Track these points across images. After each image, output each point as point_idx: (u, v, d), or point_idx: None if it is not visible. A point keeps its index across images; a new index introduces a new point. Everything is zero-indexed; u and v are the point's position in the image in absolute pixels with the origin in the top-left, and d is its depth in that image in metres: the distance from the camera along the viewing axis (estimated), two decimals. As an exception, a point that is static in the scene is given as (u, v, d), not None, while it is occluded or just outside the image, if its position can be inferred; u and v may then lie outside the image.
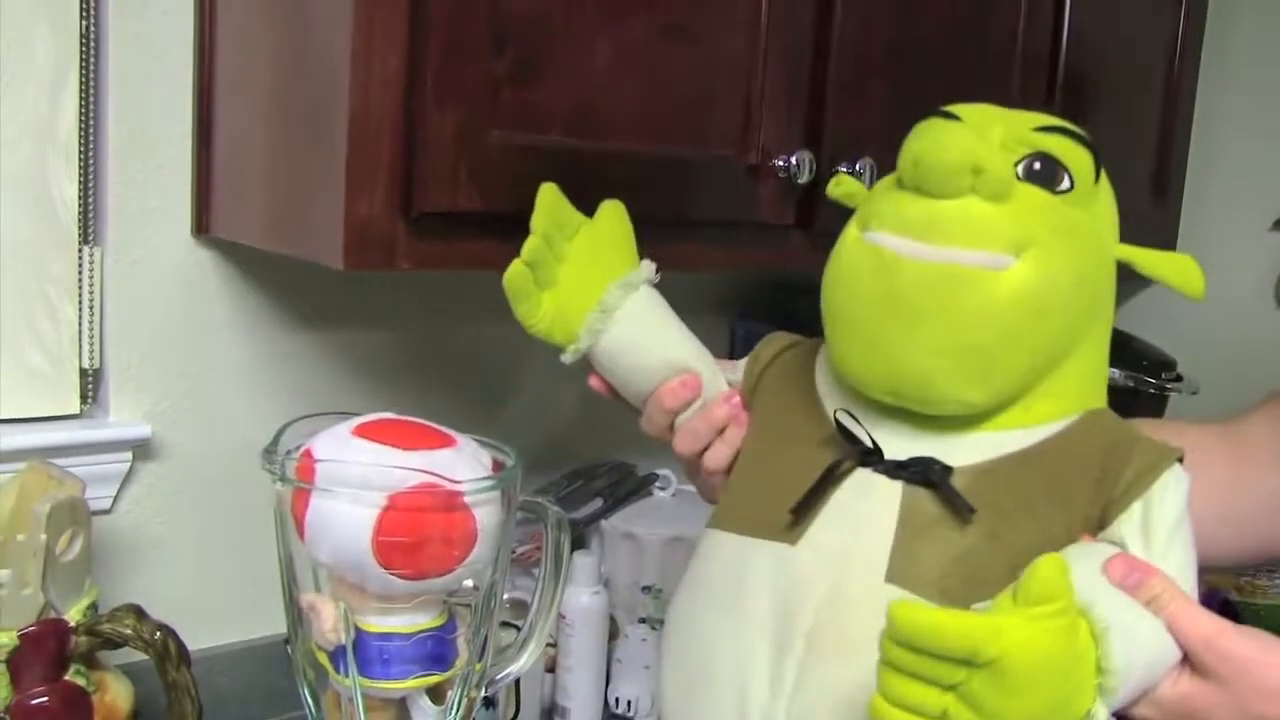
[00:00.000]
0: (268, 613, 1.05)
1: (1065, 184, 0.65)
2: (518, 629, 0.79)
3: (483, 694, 0.75)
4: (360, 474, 0.64)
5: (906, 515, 0.64)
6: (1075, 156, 0.66)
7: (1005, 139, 0.66)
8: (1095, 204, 0.67)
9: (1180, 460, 0.66)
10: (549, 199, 0.73)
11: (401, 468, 0.64)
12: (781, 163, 0.95)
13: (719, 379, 0.77)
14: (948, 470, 0.64)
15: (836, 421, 0.66)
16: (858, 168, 1.00)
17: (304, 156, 0.80)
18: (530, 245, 0.72)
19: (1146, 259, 0.68)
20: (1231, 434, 0.87)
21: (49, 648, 0.80)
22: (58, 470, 0.86)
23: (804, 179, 0.95)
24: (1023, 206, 0.63)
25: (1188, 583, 0.63)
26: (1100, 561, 0.61)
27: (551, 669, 1.09)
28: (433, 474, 0.64)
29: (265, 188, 0.87)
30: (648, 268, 0.77)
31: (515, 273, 0.72)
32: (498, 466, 0.70)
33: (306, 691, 0.73)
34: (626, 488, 1.16)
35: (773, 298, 1.30)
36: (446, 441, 0.68)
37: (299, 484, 0.65)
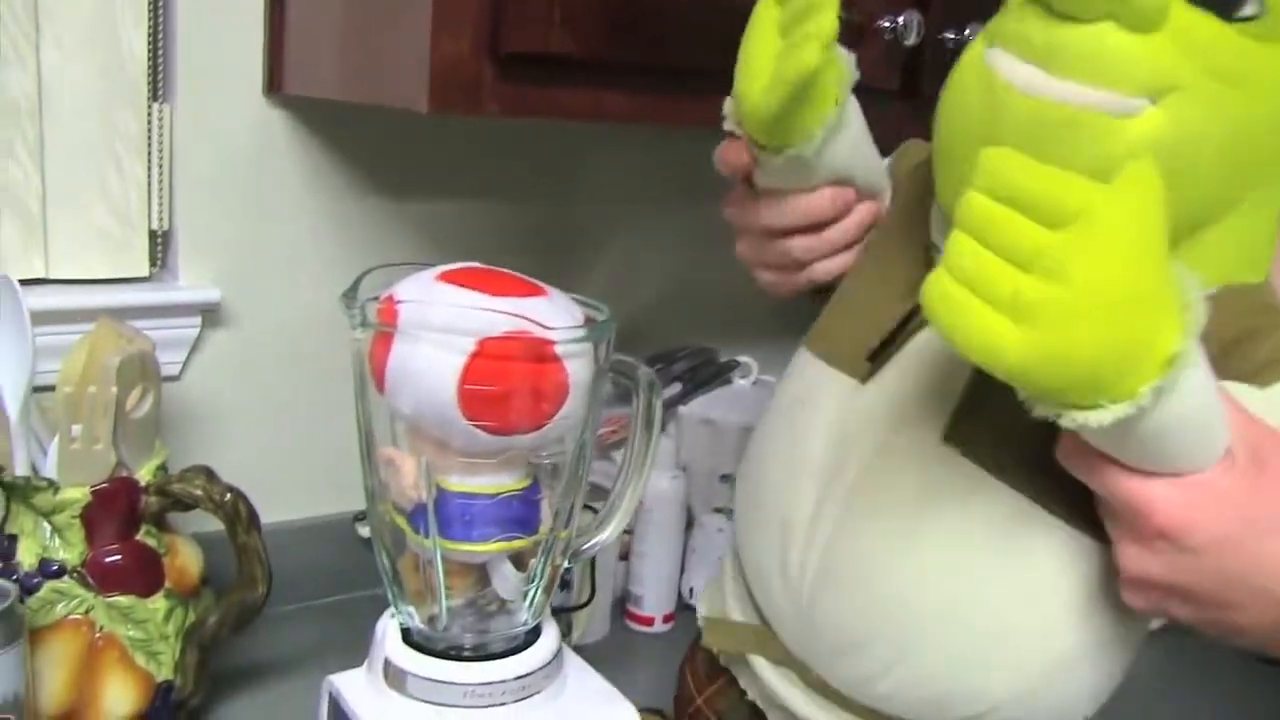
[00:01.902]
0: (338, 488, 1.03)
1: (1249, 9, 0.51)
2: (594, 511, 0.76)
3: (566, 564, 0.71)
4: (447, 317, 0.60)
5: (980, 375, 0.57)
6: None
7: None
8: None
9: None
10: None
11: (492, 310, 0.60)
12: (888, 23, 0.89)
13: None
14: None
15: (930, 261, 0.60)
16: (968, 34, 0.93)
17: (385, -5, 0.75)
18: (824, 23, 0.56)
19: None
20: None
21: (120, 506, 0.78)
22: (128, 328, 0.83)
23: (910, 40, 0.89)
24: (1177, 39, 0.51)
25: None
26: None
27: (625, 556, 1.06)
28: (525, 318, 0.60)
29: (343, 32, 0.82)
30: (852, 63, 0.64)
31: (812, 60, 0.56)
32: (589, 322, 0.66)
33: (383, 556, 0.70)
34: (706, 373, 1.12)
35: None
36: (537, 290, 0.64)
37: (381, 327, 0.61)
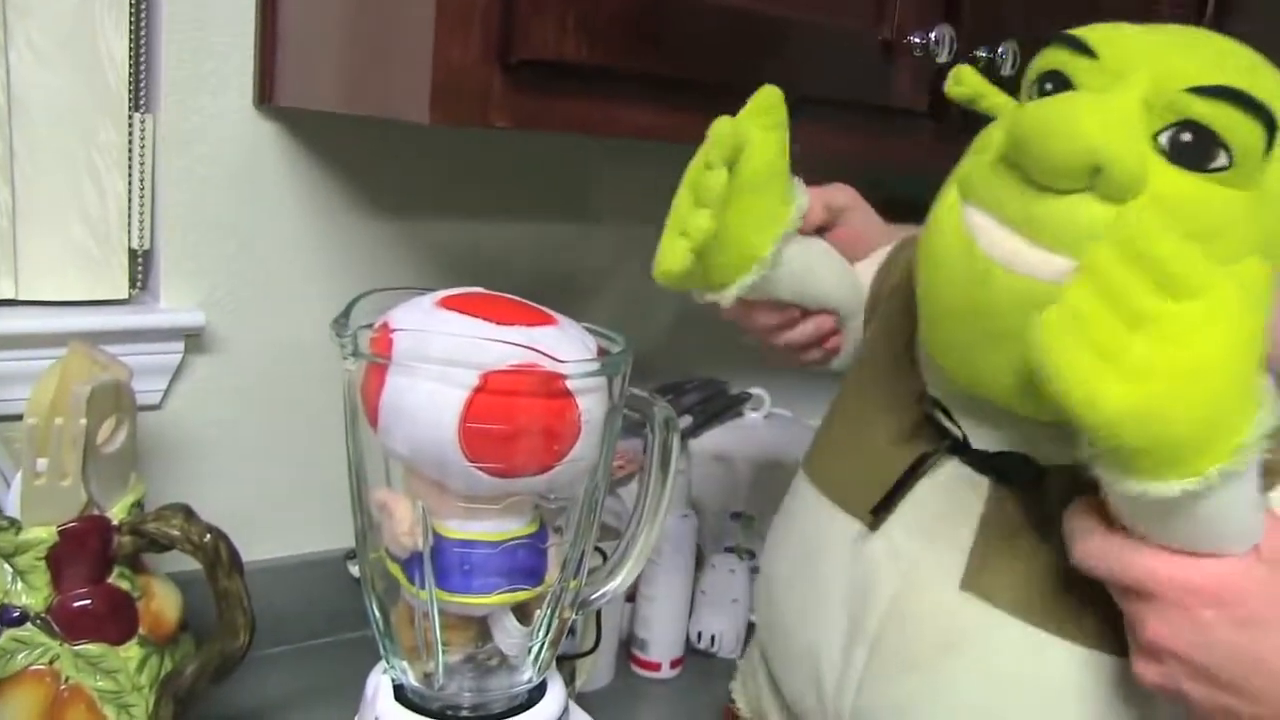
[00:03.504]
0: (328, 524, 0.98)
1: (1221, 161, 0.50)
2: (604, 555, 0.70)
3: (575, 616, 0.66)
4: (447, 348, 0.54)
5: (989, 519, 0.58)
6: (1240, 128, 0.49)
7: (1150, 97, 0.51)
8: (1264, 177, 0.51)
9: None
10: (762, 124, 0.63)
11: (498, 341, 0.54)
12: (919, 39, 0.83)
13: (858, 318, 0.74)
14: (1041, 472, 0.57)
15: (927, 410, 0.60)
16: (1000, 53, 0.88)
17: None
18: (699, 225, 0.61)
19: None
20: None
21: (91, 546, 0.72)
22: (103, 354, 0.77)
23: (943, 58, 0.84)
24: (1155, 203, 0.50)
25: None
26: None
27: (631, 598, 1.00)
28: (534, 349, 0.55)
29: (340, 39, 0.77)
30: (801, 206, 0.66)
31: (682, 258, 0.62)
32: (601, 354, 0.61)
33: (374, 606, 0.64)
34: (717, 406, 1.06)
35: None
36: (547, 319, 0.58)
37: (374, 358, 0.56)
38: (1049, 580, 0.57)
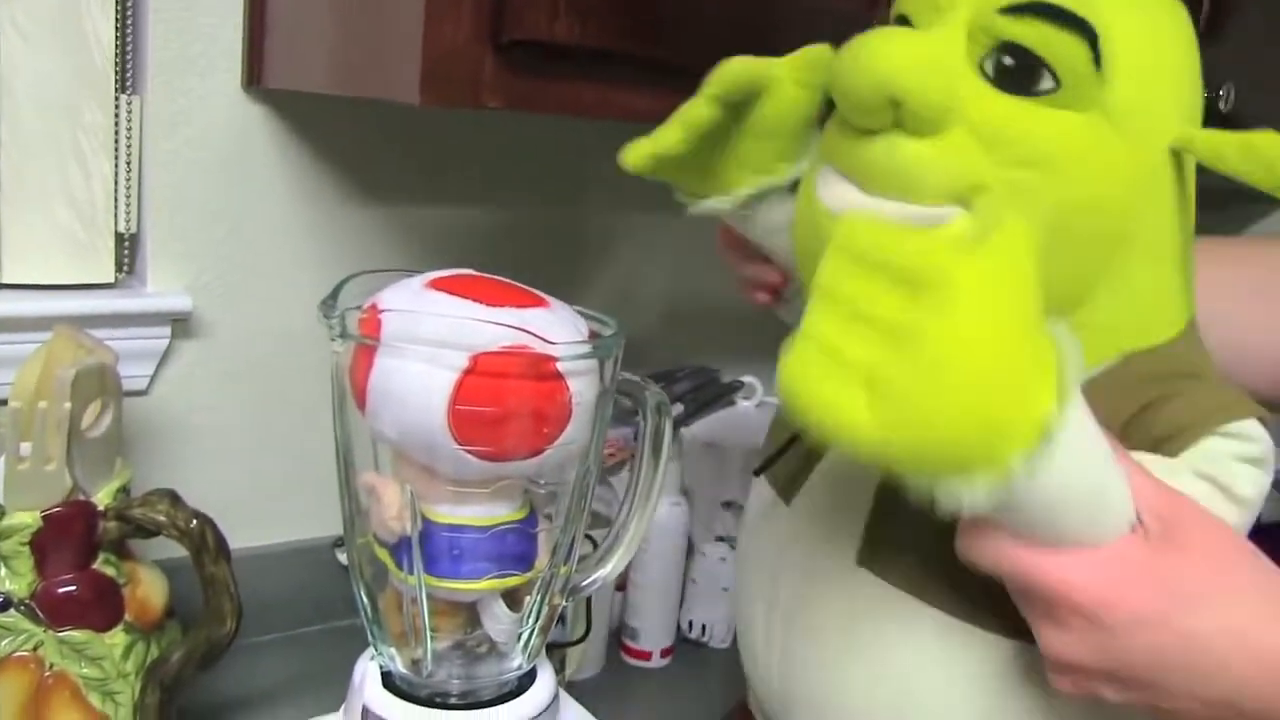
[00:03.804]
0: (316, 511, 0.97)
1: (1047, 84, 0.47)
2: (594, 543, 0.69)
3: (565, 602, 0.65)
4: (437, 329, 0.53)
5: (884, 490, 0.55)
6: (1058, 45, 0.47)
7: (972, 24, 0.48)
8: (1107, 95, 0.48)
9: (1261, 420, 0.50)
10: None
11: (488, 322, 0.53)
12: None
13: None
14: None
15: None
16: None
17: (374, -22, 0.69)
18: (665, 138, 0.59)
19: (1209, 147, 0.49)
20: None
21: (76, 531, 0.71)
22: (88, 338, 0.76)
23: (937, 41, 0.83)
24: (975, 132, 0.47)
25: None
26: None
27: (621, 587, 0.99)
28: (525, 331, 0.54)
29: (330, 19, 0.76)
30: (799, 171, 0.63)
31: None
32: (593, 337, 0.60)
33: (362, 592, 0.64)
34: (708, 394, 1.05)
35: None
36: (538, 301, 0.58)
37: (363, 339, 0.55)
38: (952, 560, 0.49)
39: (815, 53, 0.58)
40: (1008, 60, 0.47)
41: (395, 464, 0.59)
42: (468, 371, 0.53)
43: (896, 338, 0.40)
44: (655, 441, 0.64)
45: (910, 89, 0.46)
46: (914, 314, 0.39)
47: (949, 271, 0.39)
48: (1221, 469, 0.48)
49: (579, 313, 0.61)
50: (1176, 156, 0.51)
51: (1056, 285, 0.45)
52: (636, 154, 0.59)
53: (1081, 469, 0.43)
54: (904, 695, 0.55)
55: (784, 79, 0.58)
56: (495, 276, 0.59)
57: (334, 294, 0.58)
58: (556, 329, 0.56)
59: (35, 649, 0.70)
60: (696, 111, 0.58)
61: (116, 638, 0.73)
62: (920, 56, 0.47)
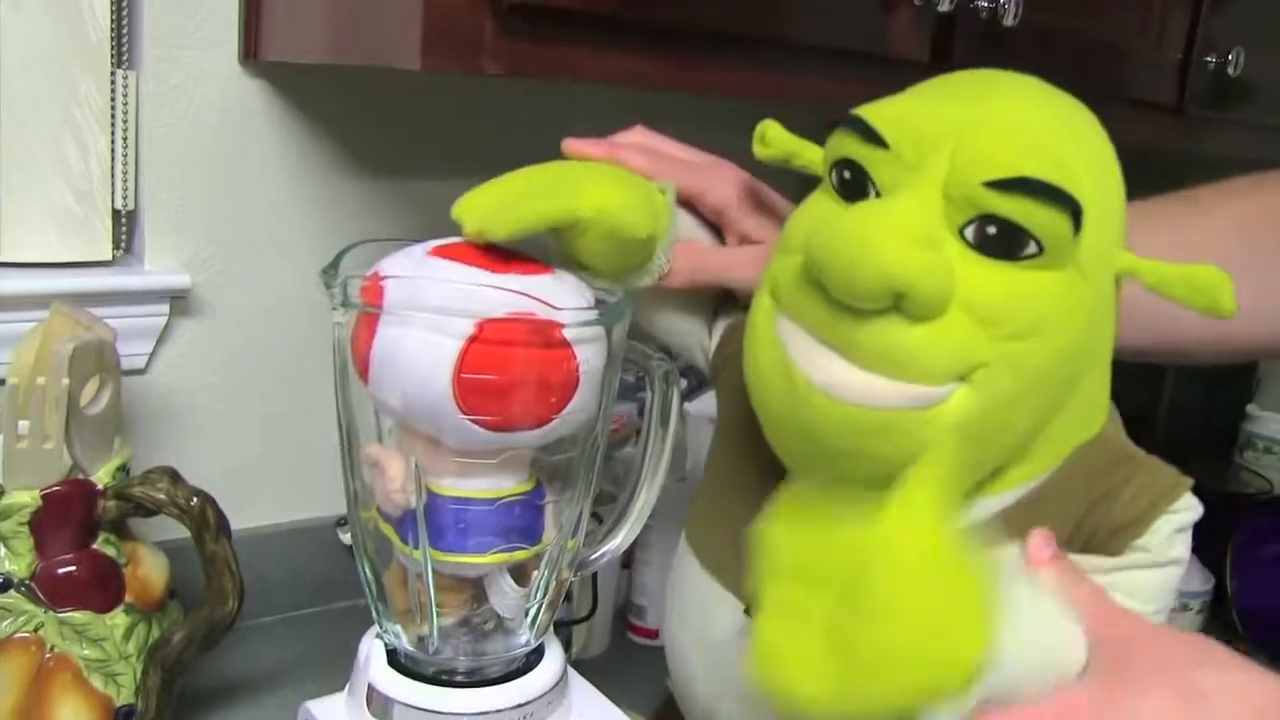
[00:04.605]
0: (318, 490, 0.96)
1: (1031, 250, 0.47)
2: (599, 519, 0.68)
3: (573, 577, 0.64)
4: (441, 296, 0.52)
5: None
6: (1044, 219, 0.46)
7: (950, 189, 0.47)
8: (1079, 251, 0.48)
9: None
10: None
11: (494, 287, 0.52)
12: (919, -14, 0.81)
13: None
14: None
15: None
16: (1002, 2, 0.86)
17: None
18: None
19: (1156, 276, 0.50)
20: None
21: (75, 510, 0.71)
22: (86, 315, 0.75)
23: (944, 7, 0.82)
24: (970, 311, 0.47)
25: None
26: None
27: (628, 565, 0.99)
28: (532, 297, 0.53)
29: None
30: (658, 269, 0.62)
31: None
32: (600, 305, 0.59)
33: (366, 568, 0.62)
34: (714, 370, 1.04)
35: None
36: (542, 268, 0.56)
37: (365, 307, 0.54)
38: None
39: (618, 210, 0.56)
40: (991, 229, 0.47)
41: (399, 436, 0.58)
42: (473, 339, 0.52)
43: (839, 634, 0.45)
44: (663, 411, 0.63)
45: (916, 284, 0.45)
46: (848, 613, 0.45)
47: (870, 574, 0.44)
48: (1167, 544, 0.53)
49: (584, 280, 0.60)
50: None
51: (1033, 422, 0.50)
52: (466, 215, 0.56)
53: (1027, 657, 0.47)
54: None
55: (590, 224, 0.56)
56: (498, 244, 0.58)
57: (335, 263, 0.56)
58: (563, 296, 0.55)
59: (36, 630, 0.69)
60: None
61: (118, 619, 0.72)
62: (916, 241, 0.46)
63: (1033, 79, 0.53)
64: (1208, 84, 1.04)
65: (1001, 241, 0.47)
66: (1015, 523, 0.52)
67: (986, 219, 0.47)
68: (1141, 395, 1.39)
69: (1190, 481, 0.54)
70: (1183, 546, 0.54)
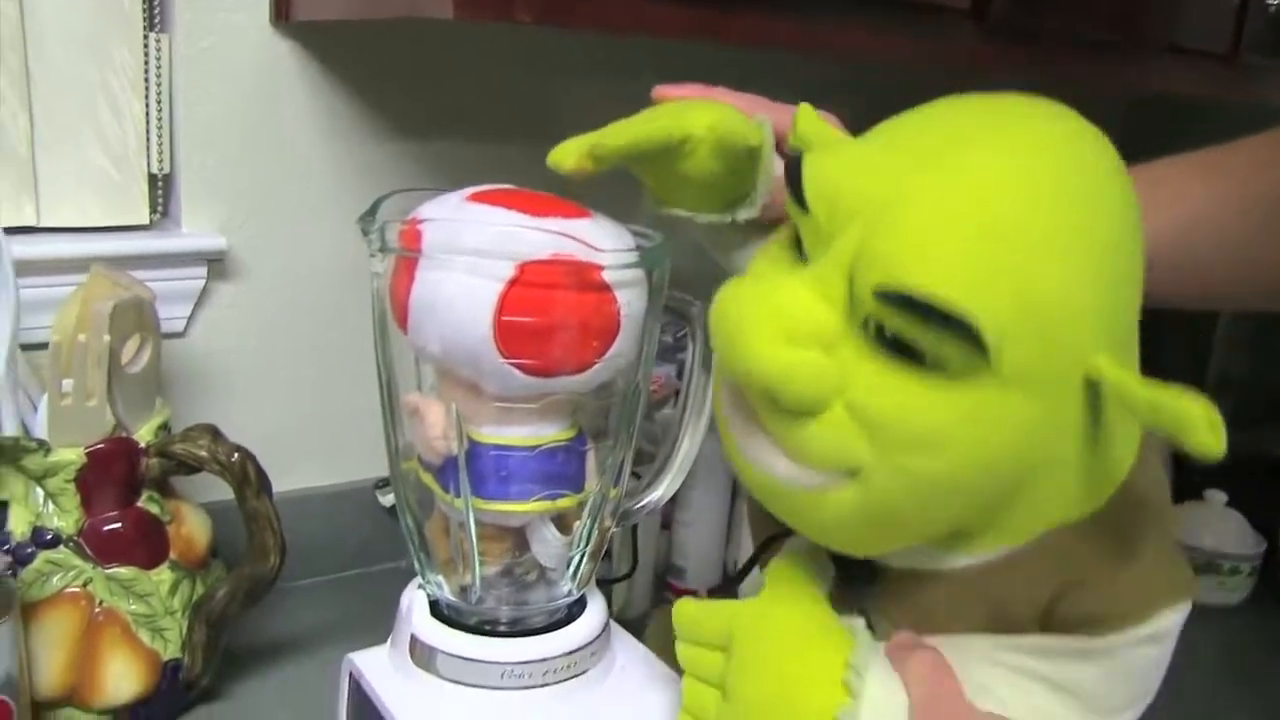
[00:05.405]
0: (358, 453, 0.96)
1: (928, 363, 0.42)
2: (637, 476, 0.68)
3: (615, 528, 0.64)
4: (480, 239, 0.52)
5: None
6: (932, 340, 0.41)
7: (854, 274, 0.43)
8: (1000, 366, 0.41)
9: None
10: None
11: (534, 229, 0.52)
12: (957, -68, 0.80)
13: None
14: (875, 572, 0.52)
15: None
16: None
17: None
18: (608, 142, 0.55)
19: (1119, 392, 0.42)
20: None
21: (119, 469, 0.71)
22: (125, 276, 0.76)
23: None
24: (855, 414, 0.43)
25: None
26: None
27: (667, 525, 0.98)
28: (572, 238, 0.52)
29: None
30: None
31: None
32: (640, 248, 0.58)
33: (409, 519, 0.62)
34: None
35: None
36: (581, 212, 0.56)
37: (403, 251, 0.53)
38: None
39: (728, 123, 0.54)
40: (887, 333, 0.42)
41: (439, 383, 0.58)
42: (513, 281, 0.52)
43: (725, 691, 0.50)
44: (705, 359, 0.62)
45: (779, 388, 0.43)
46: (728, 672, 0.50)
47: (738, 634, 0.49)
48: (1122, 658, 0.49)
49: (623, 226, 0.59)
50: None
51: (956, 515, 0.46)
52: (565, 155, 0.55)
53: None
54: None
55: (701, 142, 0.54)
56: (535, 191, 0.58)
57: (372, 210, 0.56)
58: (603, 239, 0.54)
59: (85, 585, 0.70)
60: (617, 145, 0.54)
61: (163, 574, 0.73)
62: (791, 336, 0.43)
63: (1043, 118, 0.46)
64: (1265, 29, 1.00)
65: (898, 346, 0.42)
66: (991, 583, 0.49)
67: (881, 322, 0.42)
68: (1188, 365, 1.37)
69: (1179, 598, 0.49)
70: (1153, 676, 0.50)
